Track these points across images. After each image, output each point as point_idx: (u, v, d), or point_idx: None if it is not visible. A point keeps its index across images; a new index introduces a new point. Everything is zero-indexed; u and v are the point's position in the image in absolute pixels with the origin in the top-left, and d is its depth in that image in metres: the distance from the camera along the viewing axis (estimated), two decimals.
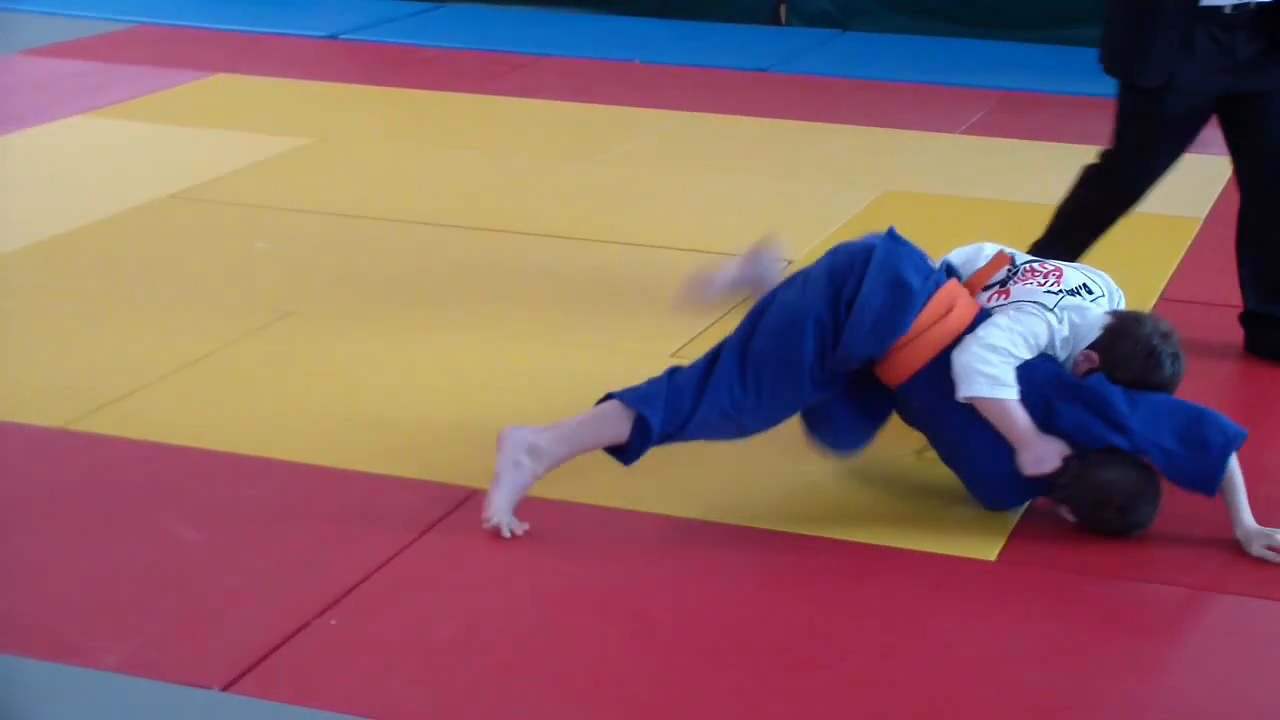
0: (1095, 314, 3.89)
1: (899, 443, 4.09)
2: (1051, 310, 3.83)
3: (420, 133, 7.50)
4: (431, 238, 5.92)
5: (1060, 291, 3.89)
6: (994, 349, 3.71)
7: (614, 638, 3.37)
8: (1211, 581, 3.60)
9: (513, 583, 3.57)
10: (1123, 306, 4.02)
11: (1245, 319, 4.81)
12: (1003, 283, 3.98)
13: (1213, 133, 7.39)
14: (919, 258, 3.89)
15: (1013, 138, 7.31)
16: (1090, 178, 4.84)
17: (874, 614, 3.46)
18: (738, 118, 7.67)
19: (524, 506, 3.80)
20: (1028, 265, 4.02)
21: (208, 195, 6.39)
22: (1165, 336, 3.82)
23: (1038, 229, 5.93)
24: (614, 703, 3.14)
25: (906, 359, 3.77)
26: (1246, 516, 3.65)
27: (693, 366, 3.83)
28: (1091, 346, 3.82)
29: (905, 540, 3.75)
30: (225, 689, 3.17)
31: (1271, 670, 3.31)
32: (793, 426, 3.97)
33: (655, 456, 3.88)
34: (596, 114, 7.76)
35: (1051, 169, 6.79)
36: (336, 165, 6.87)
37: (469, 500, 3.90)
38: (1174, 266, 5.53)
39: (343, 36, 9.50)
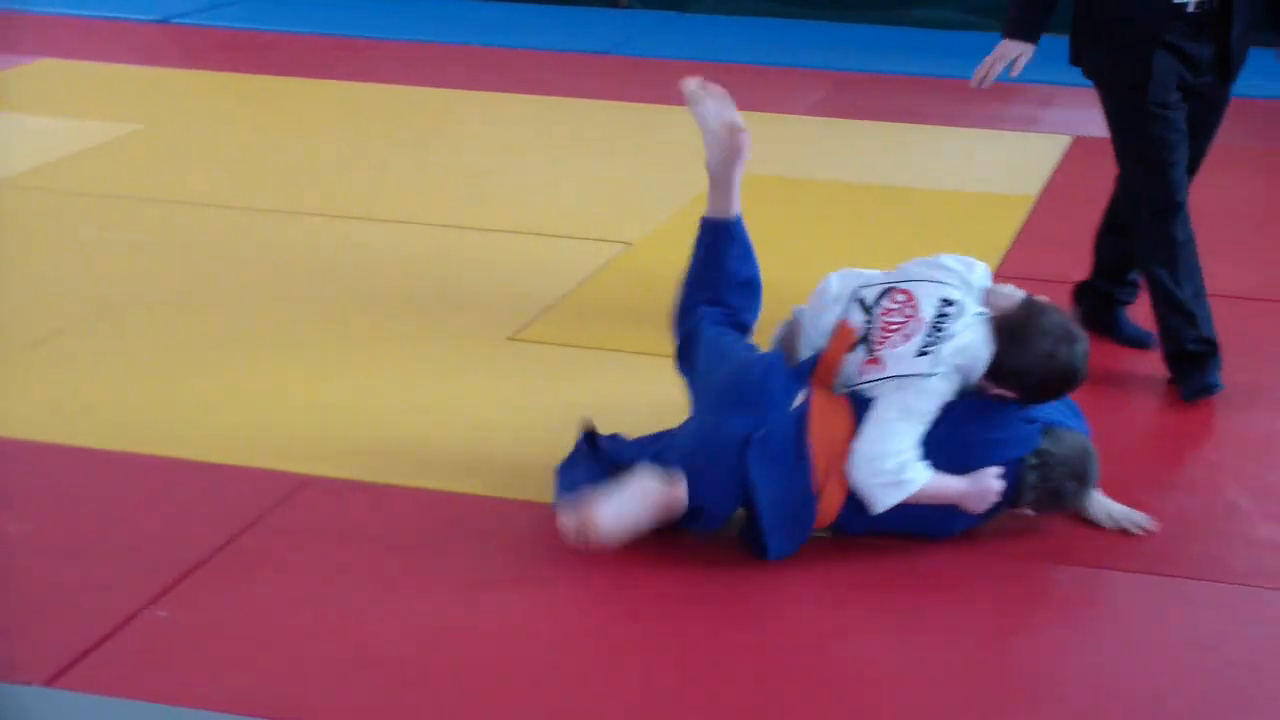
0: (972, 340, 3.57)
1: None
2: (932, 375, 3.52)
3: (257, 118, 7.37)
4: (269, 224, 5.82)
5: (930, 341, 3.55)
6: (882, 455, 3.46)
7: (446, 620, 3.32)
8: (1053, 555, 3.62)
9: (349, 569, 3.51)
10: (981, 278, 3.76)
11: (1081, 290, 4.85)
12: (866, 344, 3.64)
13: (1048, 112, 7.54)
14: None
15: (852, 118, 7.35)
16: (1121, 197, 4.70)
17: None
18: (579, 100, 7.64)
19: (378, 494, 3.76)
20: (880, 320, 3.64)
21: (35, 183, 6.23)
22: (1059, 338, 3.55)
23: (878, 208, 6.00)
24: (446, 686, 3.09)
25: (824, 510, 3.55)
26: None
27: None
28: (998, 384, 3.58)
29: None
30: (49, 684, 3.07)
31: (1157, 641, 3.33)
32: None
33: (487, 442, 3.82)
34: (437, 98, 7.69)
35: (890, 149, 6.88)
36: (169, 151, 6.73)
37: (302, 488, 3.83)
38: (1008, 244, 5.59)
39: (175, 20, 9.32)
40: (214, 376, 4.49)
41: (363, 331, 4.82)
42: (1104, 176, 6.39)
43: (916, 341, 3.56)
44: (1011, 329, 3.57)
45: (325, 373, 4.53)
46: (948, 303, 3.62)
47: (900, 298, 3.66)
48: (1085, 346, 3.58)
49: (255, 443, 4.07)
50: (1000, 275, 5.22)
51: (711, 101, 3.98)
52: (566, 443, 4.03)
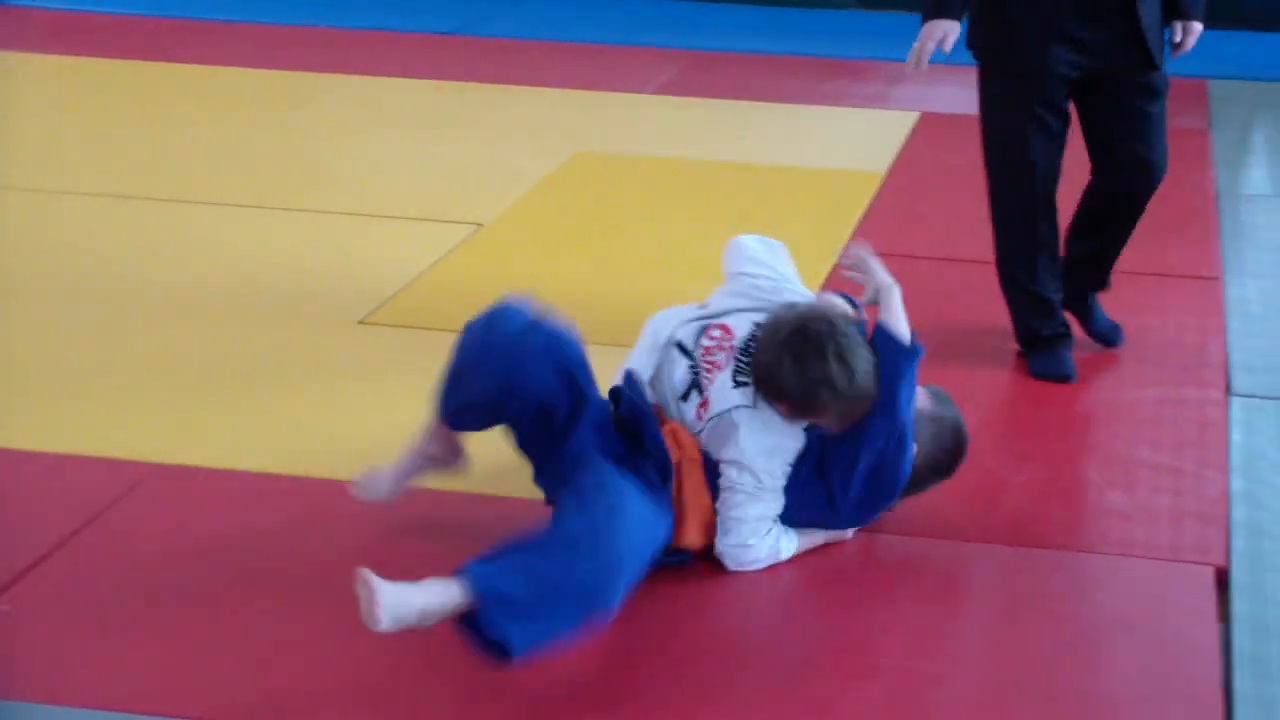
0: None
1: None
2: (756, 406, 3.38)
3: (93, 103, 7.22)
4: (108, 210, 5.70)
5: (741, 367, 3.41)
6: (745, 533, 3.36)
7: (297, 606, 3.27)
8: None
9: (198, 559, 3.44)
10: (787, 278, 3.66)
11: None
12: (697, 387, 3.47)
13: (896, 89, 7.62)
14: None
15: (701, 96, 7.36)
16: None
17: None
18: (427, 81, 7.58)
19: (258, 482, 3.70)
20: (704, 361, 3.47)
21: None
22: (799, 352, 3.29)
23: (725, 186, 6.02)
24: (298, 669, 3.04)
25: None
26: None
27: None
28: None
29: None
30: None
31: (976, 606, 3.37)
32: None
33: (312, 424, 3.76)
34: (281, 81, 7.59)
35: (739, 127, 6.90)
36: (3, 138, 6.57)
37: (146, 479, 3.76)
38: (856, 220, 5.62)
39: (4, 3, 9.10)
40: (54, 366, 4.39)
41: (208, 317, 4.74)
42: (951, 151, 6.50)
43: (729, 370, 3.44)
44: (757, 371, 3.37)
45: (168, 361, 4.44)
46: (759, 325, 3.45)
47: (716, 333, 3.51)
48: (827, 369, 3.26)
49: (98, 433, 3.98)
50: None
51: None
52: (417, 423, 4.00)
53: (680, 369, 3.51)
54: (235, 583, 3.35)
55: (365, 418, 4.11)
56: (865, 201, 5.82)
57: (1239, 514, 3.65)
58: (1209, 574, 3.41)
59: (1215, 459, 3.92)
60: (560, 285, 5.01)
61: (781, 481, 3.41)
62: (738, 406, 3.39)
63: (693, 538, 3.39)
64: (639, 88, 7.50)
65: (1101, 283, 4.62)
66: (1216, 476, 3.83)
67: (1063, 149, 4.34)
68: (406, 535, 3.54)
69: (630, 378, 3.52)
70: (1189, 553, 3.49)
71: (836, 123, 7.02)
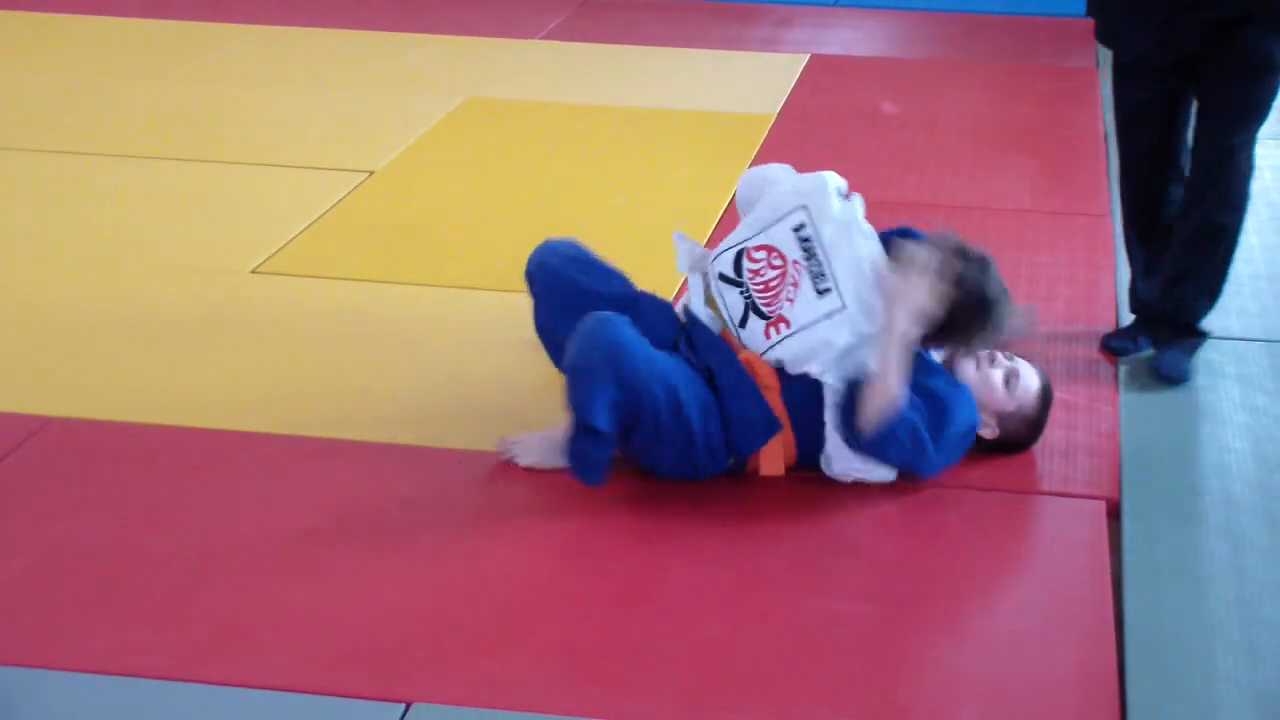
0: (853, 248, 3.45)
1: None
2: (846, 309, 3.42)
3: None
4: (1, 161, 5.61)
5: (815, 273, 3.44)
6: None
7: (196, 555, 3.24)
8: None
9: (98, 509, 3.40)
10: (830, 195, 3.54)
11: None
12: (756, 312, 3.50)
13: (786, 32, 7.62)
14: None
15: (593, 42, 7.33)
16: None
17: (459, 515, 3.42)
18: (317, 30, 7.48)
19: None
20: (755, 284, 3.51)
21: None
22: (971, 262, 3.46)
23: (617, 130, 6.00)
24: (196, 618, 3.02)
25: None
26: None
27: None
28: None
29: (490, 442, 3.71)
30: None
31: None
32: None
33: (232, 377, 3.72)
34: (167, 30, 7.46)
35: (631, 72, 6.87)
36: None
37: (42, 430, 3.71)
38: (749, 161, 5.62)
39: None
40: None
41: (99, 269, 4.67)
42: (840, 93, 6.54)
43: (806, 284, 3.46)
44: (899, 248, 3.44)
45: (60, 313, 4.37)
46: (799, 229, 3.48)
47: (760, 254, 3.52)
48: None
49: None
50: None
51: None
52: (310, 372, 3.99)
53: (732, 297, 3.54)
54: (130, 535, 3.32)
55: (257, 366, 4.07)
56: (756, 143, 5.82)
57: (1129, 447, 3.71)
58: (1101, 507, 3.46)
59: (1106, 394, 3.97)
60: (454, 230, 5.00)
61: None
62: (834, 311, 3.42)
63: (774, 465, 3.47)
64: (530, 34, 7.45)
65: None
66: (1107, 410, 3.88)
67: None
68: (311, 484, 3.52)
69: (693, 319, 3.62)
70: (1081, 486, 3.54)
71: (727, 66, 7.01)
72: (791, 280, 3.48)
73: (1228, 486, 3.56)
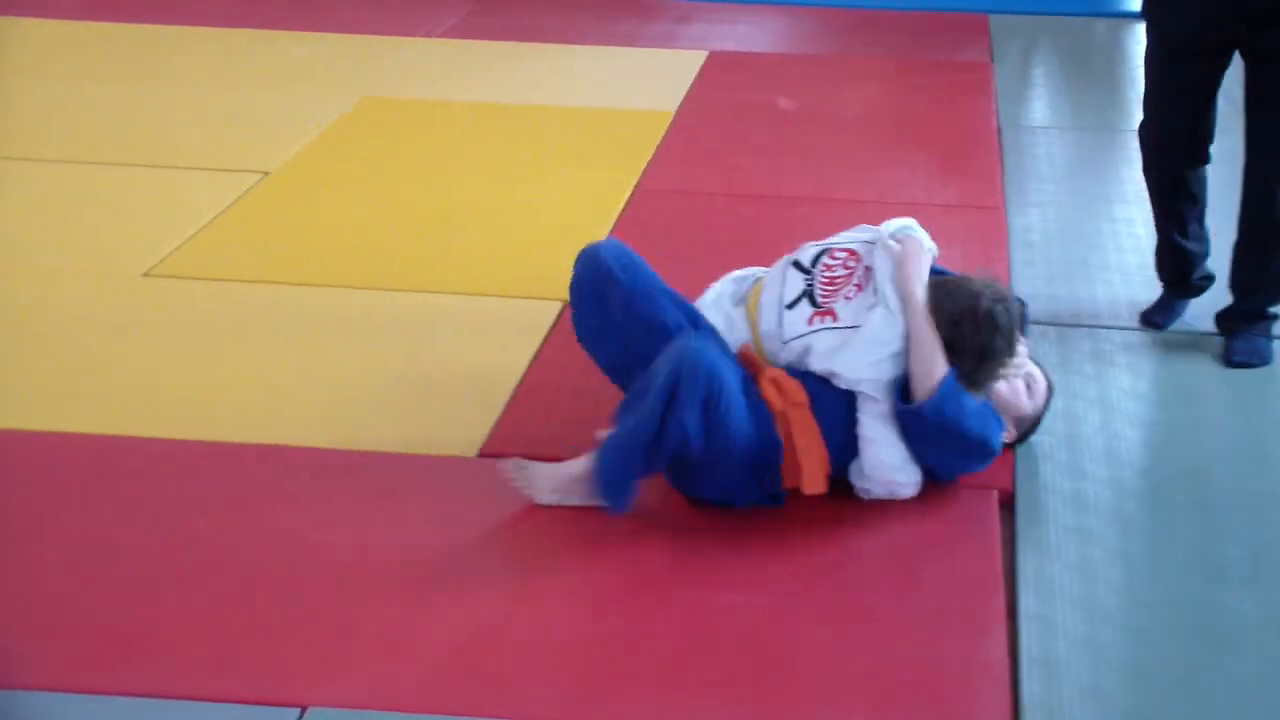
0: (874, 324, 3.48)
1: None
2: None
3: None
4: None
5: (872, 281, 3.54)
6: (893, 469, 3.42)
7: (82, 561, 3.21)
8: None
9: None
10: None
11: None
12: (809, 298, 3.56)
13: (685, 28, 7.63)
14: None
15: (490, 39, 7.30)
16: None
17: (355, 519, 3.40)
18: (205, 29, 7.40)
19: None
20: (823, 276, 3.58)
21: None
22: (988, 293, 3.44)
23: (516, 128, 5.99)
24: (81, 626, 2.99)
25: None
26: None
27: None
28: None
29: (384, 443, 3.71)
30: None
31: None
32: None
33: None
34: (52, 29, 7.36)
35: (528, 70, 6.86)
36: None
37: None
38: (647, 159, 5.63)
39: None
40: None
41: None
42: (738, 89, 6.56)
43: (868, 290, 3.52)
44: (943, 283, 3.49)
45: None
46: (870, 244, 3.62)
47: (841, 254, 3.62)
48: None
49: None
50: (642, 189, 5.32)
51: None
52: (205, 375, 3.95)
53: (794, 283, 3.59)
54: (12, 543, 3.27)
55: (150, 370, 4.03)
56: (656, 140, 5.83)
57: None
58: (993, 496, 3.48)
59: None
60: (352, 231, 4.97)
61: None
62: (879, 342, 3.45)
63: (817, 483, 3.38)
64: (426, 31, 7.42)
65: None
66: None
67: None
68: (205, 488, 3.49)
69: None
70: (974, 476, 3.56)
71: (626, 63, 7.02)
72: (856, 282, 3.55)
73: (1118, 474, 3.61)
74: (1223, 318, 4.29)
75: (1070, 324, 4.33)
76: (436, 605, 3.10)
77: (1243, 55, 4.07)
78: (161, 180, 5.40)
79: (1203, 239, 4.35)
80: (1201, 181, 4.28)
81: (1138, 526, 3.40)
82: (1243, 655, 2.98)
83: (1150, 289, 4.51)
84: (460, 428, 3.76)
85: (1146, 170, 4.33)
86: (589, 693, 2.85)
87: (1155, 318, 4.37)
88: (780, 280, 3.64)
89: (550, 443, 3.68)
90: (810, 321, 3.54)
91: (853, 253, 3.62)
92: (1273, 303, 4.26)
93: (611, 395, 3.69)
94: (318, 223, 5.04)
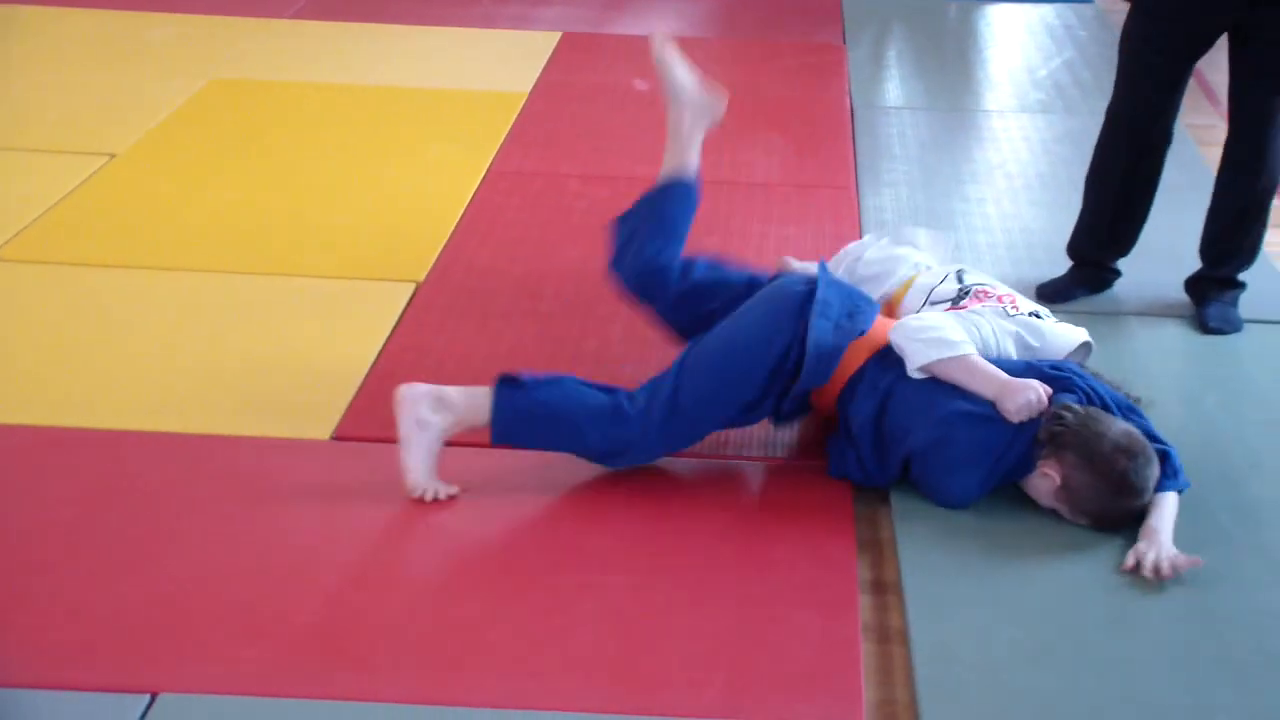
0: (1058, 337, 3.57)
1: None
2: (1006, 319, 3.55)
3: None
4: None
5: (1017, 314, 3.59)
6: (929, 324, 3.39)
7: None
8: None
9: None
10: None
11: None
12: (954, 300, 3.68)
13: (539, 10, 7.60)
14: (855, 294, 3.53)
15: (341, 21, 7.22)
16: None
17: (211, 503, 3.35)
18: (48, 9, 7.24)
19: None
20: (979, 288, 3.70)
21: None
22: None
23: (369, 110, 5.93)
24: None
25: (840, 370, 3.42)
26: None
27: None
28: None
29: (238, 427, 3.65)
30: None
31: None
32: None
33: None
34: None
35: (380, 51, 6.79)
36: None
37: None
38: (501, 140, 5.60)
39: None
40: None
41: None
42: (592, 70, 6.55)
43: (1005, 308, 3.61)
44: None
45: None
46: (1038, 315, 3.67)
47: (1002, 294, 3.71)
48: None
49: None
50: (495, 171, 5.29)
51: (681, 64, 3.92)
52: (49, 360, 3.87)
53: (949, 287, 3.76)
54: None
55: None
56: (509, 122, 5.80)
57: None
58: None
59: None
60: (200, 213, 4.89)
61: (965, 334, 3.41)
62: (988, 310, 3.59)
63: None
64: (277, 12, 7.32)
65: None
66: None
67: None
68: (54, 475, 3.42)
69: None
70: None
71: (479, 44, 6.97)
72: (1000, 304, 3.64)
73: None
74: (1194, 285, 4.38)
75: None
76: (291, 588, 3.06)
77: (1230, 35, 4.13)
78: (4, 163, 5.27)
79: (1140, 222, 4.39)
80: (1161, 164, 4.33)
81: (1008, 493, 3.40)
82: (1089, 608, 3.04)
83: (999, 267, 4.56)
84: (315, 411, 3.72)
85: (1107, 145, 4.37)
86: (445, 674, 2.83)
87: (1046, 290, 4.41)
88: (938, 279, 3.79)
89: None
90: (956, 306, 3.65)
91: (1013, 299, 3.69)
92: (1243, 270, 4.35)
93: (468, 374, 3.68)
94: (167, 206, 4.95)
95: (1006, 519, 3.33)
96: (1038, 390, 3.28)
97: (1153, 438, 3.32)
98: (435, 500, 3.33)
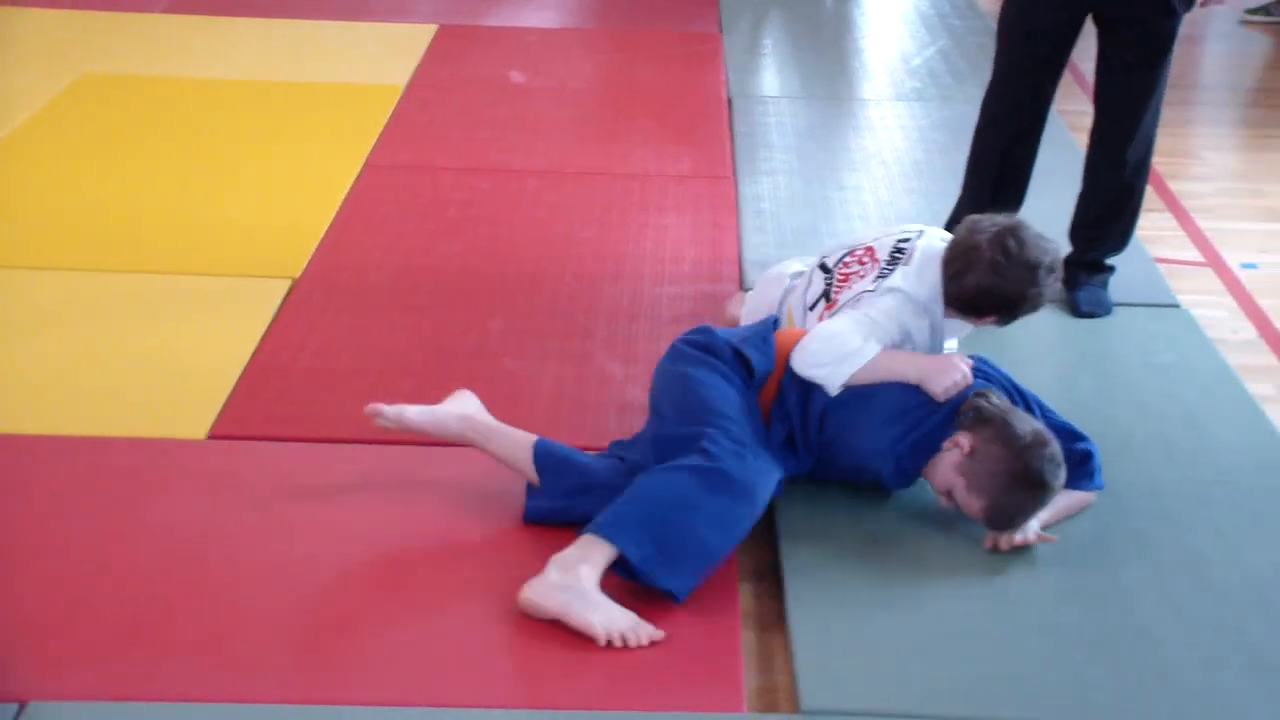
0: (929, 248, 3.54)
1: None
2: (887, 293, 3.48)
3: None
4: None
5: (883, 274, 3.53)
6: (824, 344, 3.31)
7: None
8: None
9: None
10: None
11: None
12: (826, 297, 3.63)
13: (415, 2, 7.55)
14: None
15: (213, 15, 7.13)
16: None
17: (83, 505, 3.30)
18: None
19: None
20: (839, 273, 3.63)
21: None
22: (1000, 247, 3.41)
23: (244, 104, 5.86)
24: None
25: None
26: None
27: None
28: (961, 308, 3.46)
29: (111, 428, 3.60)
30: None
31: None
32: None
33: None
34: None
35: (254, 44, 6.72)
36: None
37: None
38: (378, 134, 5.55)
39: None
40: None
41: None
42: (469, 62, 6.51)
43: (870, 277, 3.53)
44: (959, 246, 3.47)
45: None
46: (903, 241, 3.59)
47: (860, 252, 3.63)
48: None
49: None
50: (371, 164, 5.25)
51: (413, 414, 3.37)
52: None
53: (817, 283, 3.67)
54: None
55: None
56: (386, 114, 5.75)
57: None
58: None
59: None
60: (70, 212, 4.80)
61: (889, 334, 3.39)
62: (867, 292, 3.50)
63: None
64: (146, 7, 7.21)
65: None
66: None
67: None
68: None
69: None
70: None
71: (354, 37, 6.90)
72: (860, 274, 3.57)
73: None
74: (1066, 269, 4.34)
75: None
76: (166, 590, 3.03)
77: (1097, 23, 4.20)
78: None
79: (1017, 205, 4.39)
80: (1036, 148, 4.38)
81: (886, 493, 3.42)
82: (964, 591, 3.08)
83: None
84: (190, 410, 3.68)
85: (984, 130, 4.41)
86: (323, 673, 2.81)
87: None
88: (806, 284, 3.72)
89: (282, 422, 3.63)
90: (820, 317, 3.58)
91: (871, 250, 3.63)
92: (1115, 255, 4.42)
93: (342, 372, 3.65)
94: (37, 202, 4.87)
95: (884, 509, 3.36)
96: (961, 367, 3.30)
97: (1075, 435, 3.34)
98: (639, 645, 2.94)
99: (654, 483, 3.05)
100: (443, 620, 2.97)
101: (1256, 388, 4.00)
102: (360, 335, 4.07)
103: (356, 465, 3.47)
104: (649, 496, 3.03)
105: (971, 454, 3.19)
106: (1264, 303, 4.54)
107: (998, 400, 3.27)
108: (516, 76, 6.34)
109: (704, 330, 3.44)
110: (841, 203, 5.11)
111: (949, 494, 3.25)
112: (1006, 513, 3.19)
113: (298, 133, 5.59)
